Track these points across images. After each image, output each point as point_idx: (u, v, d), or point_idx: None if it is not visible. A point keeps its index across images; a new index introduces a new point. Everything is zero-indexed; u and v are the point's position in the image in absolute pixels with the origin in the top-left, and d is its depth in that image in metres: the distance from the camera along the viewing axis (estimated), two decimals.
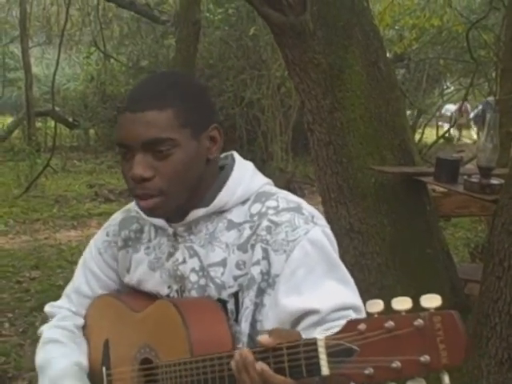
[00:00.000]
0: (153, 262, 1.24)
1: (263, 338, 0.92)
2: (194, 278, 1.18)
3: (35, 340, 4.38)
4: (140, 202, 1.14)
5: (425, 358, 0.81)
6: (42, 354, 1.33)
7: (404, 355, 0.81)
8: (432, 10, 7.41)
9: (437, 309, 0.81)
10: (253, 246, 1.13)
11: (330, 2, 2.56)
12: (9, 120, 13.97)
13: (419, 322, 0.80)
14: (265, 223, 1.13)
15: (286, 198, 1.17)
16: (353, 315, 1.04)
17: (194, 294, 1.18)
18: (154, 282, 1.24)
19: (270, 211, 1.14)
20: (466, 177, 2.52)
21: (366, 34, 2.61)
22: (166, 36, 11.32)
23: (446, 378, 0.83)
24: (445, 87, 14.75)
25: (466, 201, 3.08)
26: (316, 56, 2.52)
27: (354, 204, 2.60)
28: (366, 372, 0.82)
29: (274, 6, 2.45)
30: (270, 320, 1.10)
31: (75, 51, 15.04)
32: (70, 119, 13.68)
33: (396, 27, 8.91)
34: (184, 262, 1.19)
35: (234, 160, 1.23)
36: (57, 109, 11.17)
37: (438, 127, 15.34)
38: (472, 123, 17.10)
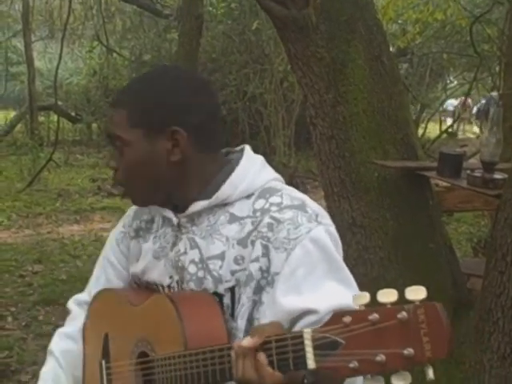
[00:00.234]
0: (157, 250, 1.25)
1: (245, 341, 0.92)
2: (192, 269, 1.18)
3: (38, 334, 4.43)
4: None
5: (408, 351, 0.80)
6: (44, 368, 1.39)
7: (388, 348, 0.80)
8: (435, 3, 7.38)
9: (422, 301, 0.80)
10: (253, 242, 1.12)
11: None
12: (11, 114, 13.97)
13: (403, 314, 0.79)
14: (267, 220, 1.12)
15: (290, 194, 1.16)
16: None
17: (191, 285, 1.18)
18: (158, 272, 1.24)
19: (273, 208, 1.13)
20: (469, 171, 2.52)
21: (369, 28, 2.60)
22: (168, 30, 11.31)
23: (430, 372, 0.82)
24: (448, 81, 14.72)
25: (469, 195, 3.08)
26: (319, 50, 2.52)
27: (356, 198, 2.59)
28: (351, 365, 0.82)
29: None
30: (267, 318, 1.08)
31: (78, 45, 15.04)
32: (73, 113, 13.68)
33: (399, 21, 8.88)
34: (185, 252, 1.20)
35: (242, 154, 1.22)
36: (59, 103, 11.18)
37: (440, 122, 15.31)
38: (474, 118, 17.08)
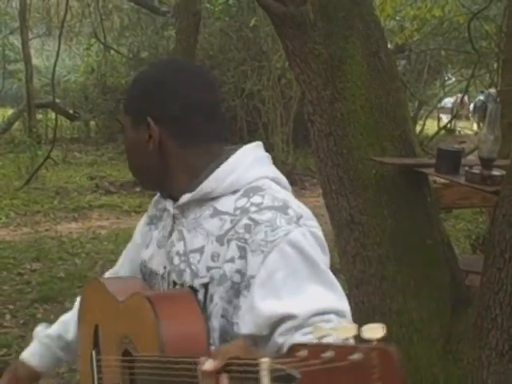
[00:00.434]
0: (160, 240, 1.27)
1: (207, 364, 0.88)
2: (176, 261, 1.19)
3: None
4: None
5: None
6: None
7: None
8: (433, 0, 7.38)
9: (379, 340, 0.76)
10: (229, 242, 1.10)
11: None
12: (9, 112, 13.95)
13: (355, 356, 0.75)
14: (244, 220, 1.09)
15: (273, 195, 1.12)
16: (335, 320, 1.00)
17: (173, 277, 1.19)
18: (157, 261, 1.26)
19: (253, 208, 1.10)
20: (467, 168, 2.51)
21: (367, 24, 2.60)
22: (166, 27, 11.30)
23: None
24: (446, 78, 14.72)
25: (468, 192, 3.08)
26: (316, 47, 2.51)
27: (354, 195, 2.59)
28: None
29: None
30: (246, 324, 1.07)
31: (75, 43, 15.01)
32: (71, 111, 13.68)
33: (397, 18, 8.88)
34: (174, 244, 1.21)
35: (235, 151, 1.20)
36: (57, 100, 11.17)
37: (439, 119, 15.32)
38: (470, 115, 17.10)
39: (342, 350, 0.75)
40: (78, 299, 1.43)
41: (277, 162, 1.37)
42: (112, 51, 12.53)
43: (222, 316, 1.11)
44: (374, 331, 0.76)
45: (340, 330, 0.77)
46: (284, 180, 1.21)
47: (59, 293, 4.58)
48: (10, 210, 7.32)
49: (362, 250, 2.60)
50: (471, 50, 6.90)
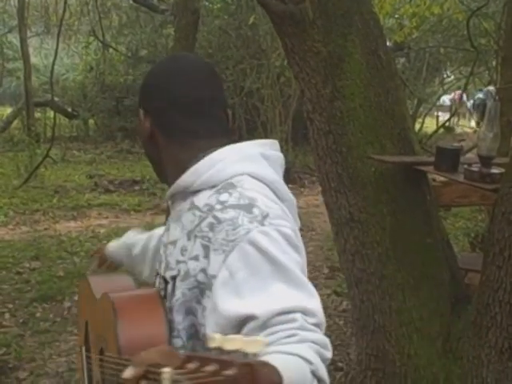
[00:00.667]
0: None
1: (126, 372, 0.87)
2: (161, 251, 1.23)
3: (36, 331, 4.41)
4: None
5: None
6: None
7: None
8: None
9: (255, 355, 0.77)
10: (195, 238, 1.10)
11: None
12: (8, 110, 13.96)
13: (231, 371, 0.75)
14: (209, 219, 1.08)
15: (242, 193, 1.09)
16: (300, 319, 0.97)
17: (156, 265, 1.24)
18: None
19: (218, 206, 1.09)
20: (466, 166, 2.51)
21: (366, 22, 2.59)
22: (164, 25, 11.28)
23: None
24: (445, 76, 14.71)
25: (467, 190, 3.07)
26: (315, 45, 2.51)
27: (353, 193, 2.59)
28: None
29: None
30: (210, 325, 1.05)
31: (74, 41, 15.00)
32: (70, 109, 13.68)
33: (396, 16, 8.86)
34: (163, 235, 1.26)
35: (221, 147, 1.18)
36: (56, 99, 11.15)
37: (437, 117, 15.32)
38: (467, 113, 17.10)
39: (222, 363, 0.76)
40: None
41: None
42: (111, 49, 12.50)
43: (190, 313, 1.11)
44: (254, 345, 0.77)
45: (250, 343, 0.78)
46: (270, 178, 1.16)
47: (58, 292, 4.57)
48: (8, 208, 7.32)
49: (361, 249, 2.60)
50: (470, 48, 6.88)
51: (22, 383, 3.40)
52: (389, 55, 2.72)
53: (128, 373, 0.87)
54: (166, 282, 1.15)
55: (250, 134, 10.38)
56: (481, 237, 5.05)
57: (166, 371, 0.79)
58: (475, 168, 2.45)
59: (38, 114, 12.41)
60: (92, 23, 11.79)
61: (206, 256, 1.07)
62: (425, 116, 13.70)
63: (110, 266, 1.65)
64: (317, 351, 0.96)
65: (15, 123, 12.95)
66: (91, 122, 14.02)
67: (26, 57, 11.26)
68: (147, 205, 7.71)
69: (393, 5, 7.02)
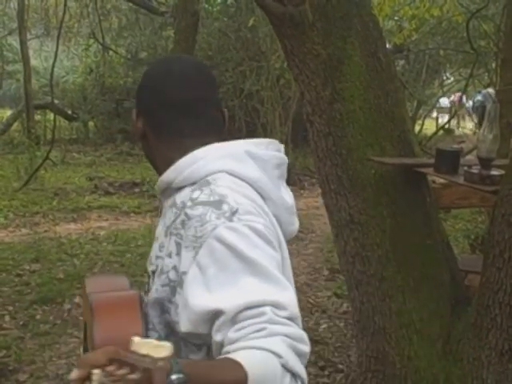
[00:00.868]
0: None
1: (72, 374, 0.88)
2: (153, 245, 1.24)
3: (36, 333, 4.41)
4: None
5: None
6: None
7: None
8: (432, 0, 7.37)
9: (163, 359, 0.79)
10: (170, 236, 1.12)
11: None
12: (8, 113, 13.94)
13: (134, 375, 0.78)
14: (181, 216, 1.09)
15: (213, 189, 1.10)
16: (269, 312, 0.97)
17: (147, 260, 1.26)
18: None
19: (189, 203, 1.10)
20: (466, 168, 2.51)
21: (366, 24, 2.60)
22: (164, 27, 11.30)
23: None
24: (444, 78, 14.72)
25: (466, 192, 3.07)
26: (315, 47, 2.51)
27: (353, 195, 2.59)
28: None
29: None
30: (183, 321, 1.06)
31: (74, 43, 15.01)
32: (69, 112, 13.67)
33: (395, 18, 8.88)
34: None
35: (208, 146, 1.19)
36: (56, 101, 11.14)
37: (437, 119, 15.33)
38: (467, 115, 17.11)
39: (132, 368, 0.78)
40: None
41: None
42: (110, 52, 12.51)
43: (164, 312, 1.12)
44: (160, 350, 0.79)
45: (157, 348, 0.80)
46: (252, 176, 1.16)
47: (58, 294, 4.57)
48: (8, 211, 7.31)
49: (361, 250, 2.60)
50: (470, 50, 6.90)
51: None
52: (388, 57, 2.72)
53: (73, 374, 0.88)
54: (148, 276, 1.20)
55: (250, 135, 10.35)
56: (481, 239, 5.06)
57: (96, 372, 0.83)
58: (475, 170, 2.45)
59: (37, 117, 12.42)
60: (92, 25, 11.79)
61: (178, 253, 1.08)
62: (424, 118, 13.72)
63: None
64: (289, 345, 0.96)
65: (15, 125, 12.95)
66: (91, 124, 14.02)
67: (25, 59, 11.27)
68: (147, 207, 7.70)
69: (392, 7, 7.03)
